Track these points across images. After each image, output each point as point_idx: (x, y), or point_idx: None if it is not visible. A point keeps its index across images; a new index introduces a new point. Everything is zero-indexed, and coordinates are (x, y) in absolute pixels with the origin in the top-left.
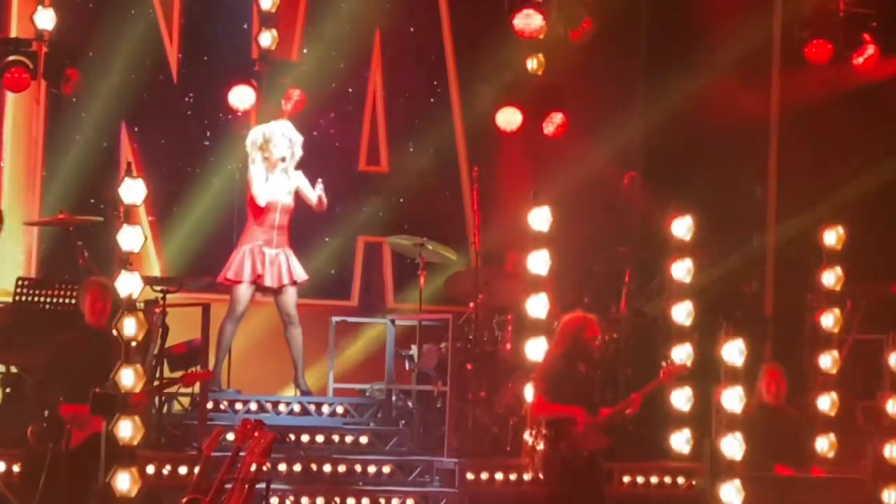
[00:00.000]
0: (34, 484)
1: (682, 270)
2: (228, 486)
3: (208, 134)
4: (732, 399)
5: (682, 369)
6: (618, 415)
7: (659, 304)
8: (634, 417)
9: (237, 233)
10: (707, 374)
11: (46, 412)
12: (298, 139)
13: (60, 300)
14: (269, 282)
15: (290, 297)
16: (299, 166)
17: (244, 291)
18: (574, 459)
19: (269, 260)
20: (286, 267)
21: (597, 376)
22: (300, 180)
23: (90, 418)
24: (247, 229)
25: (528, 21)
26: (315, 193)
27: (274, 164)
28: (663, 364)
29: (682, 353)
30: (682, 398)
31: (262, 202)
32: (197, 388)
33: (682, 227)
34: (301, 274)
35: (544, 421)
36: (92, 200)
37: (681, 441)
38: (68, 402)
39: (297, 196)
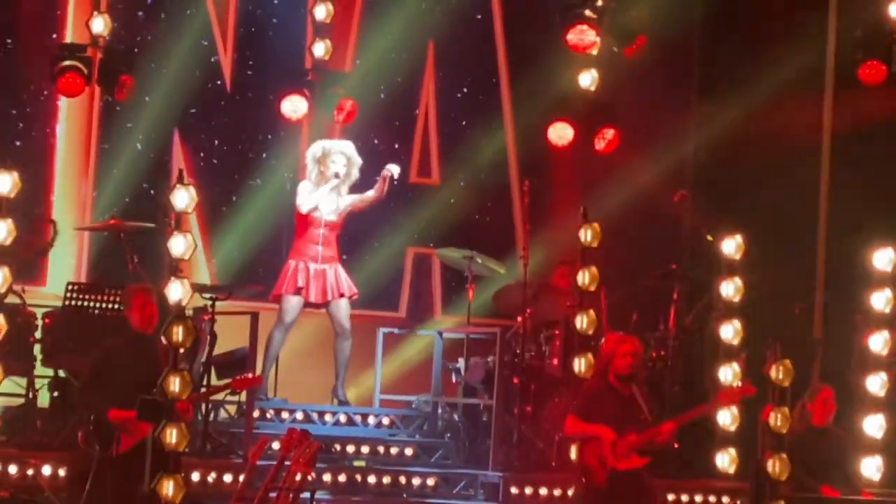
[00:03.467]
0: (80, 488)
1: (730, 289)
2: (273, 495)
3: (260, 142)
4: (780, 419)
5: (745, 392)
6: (646, 443)
7: (707, 323)
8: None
9: (287, 242)
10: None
11: (93, 417)
12: (358, 161)
13: (110, 305)
14: (313, 297)
15: (343, 309)
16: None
17: (292, 302)
18: (593, 477)
19: (314, 274)
20: (333, 282)
21: (642, 395)
22: (351, 200)
23: (139, 425)
24: (295, 244)
25: (582, 37)
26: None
27: (327, 179)
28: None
29: (730, 374)
30: (728, 417)
31: (304, 210)
32: (244, 396)
33: (732, 245)
34: (350, 287)
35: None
36: (143, 207)
37: (726, 460)
38: (117, 407)
39: (346, 215)
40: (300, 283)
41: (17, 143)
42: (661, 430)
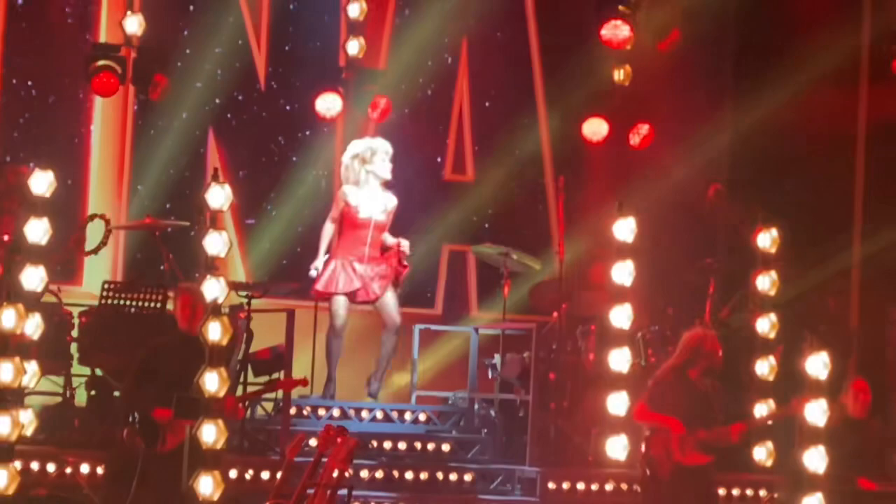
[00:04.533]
0: (119, 486)
1: (766, 282)
2: (310, 491)
3: (295, 140)
4: (816, 412)
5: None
6: (716, 440)
7: (743, 316)
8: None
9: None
10: (791, 387)
11: (138, 415)
12: (389, 149)
13: (146, 304)
14: (361, 296)
15: (390, 301)
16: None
17: (340, 303)
18: (658, 469)
19: (360, 275)
20: (379, 279)
21: (718, 392)
22: (395, 203)
23: (180, 422)
24: (339, 243)
25: (616, 32)
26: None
27: (371, 178)
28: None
29: (765, 367)
30: (764, 410)
31: (363, 214)
32: (280, 393)
33: (768, 238)
34: (396, 280)
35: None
36: (178, 205)
37: (763, 453)
38: (161, 405)
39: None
40: (344, 285)
41: (53, 143)
42: (731, 431)
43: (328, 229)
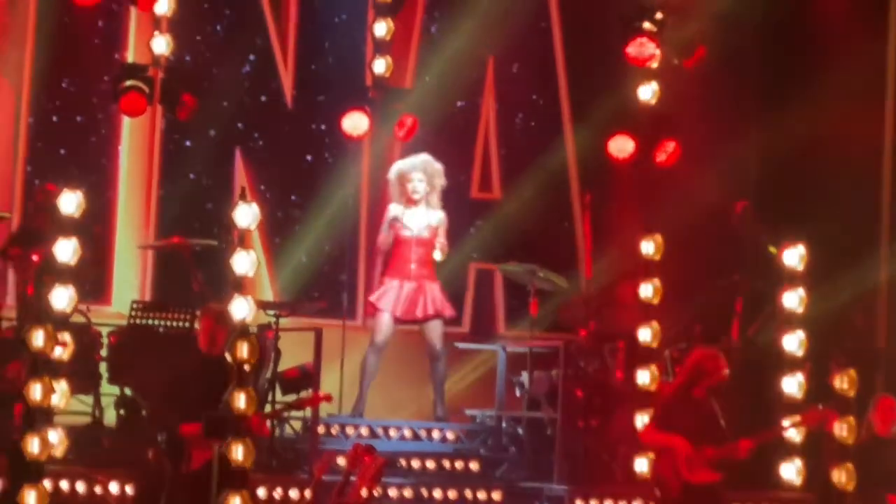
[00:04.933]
0: None
1: (793, 300)
2: None
3: (321, 159)
4: (845, 429)
5: (827, 416)
6: (722, 458)
7: (770, 334)
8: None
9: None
10: (819, 405)
11: (165, 435)
12: (438, 170)
13: (174, 323)
14: (400, 312)
15: (435, 329)
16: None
17: (385, 321)
18: (667, 489)
19: (407, 293)
20: (428, 299)
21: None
22: (440, 218)
23: (211, 442)
24: (391, 262)
25: (642, 49)
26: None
27: (410, 199)
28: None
29: (793, 385)
30: (792, 471)
31: (379, 248)
32: (309, 412)
33: (795, 256)
34: (445, 307)
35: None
36: (206, 224)
37: (792, 471)
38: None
39: (436, 229)
40: (389, 304)
41: (81, 163)
42: (739, 447)
43: (381, 247)
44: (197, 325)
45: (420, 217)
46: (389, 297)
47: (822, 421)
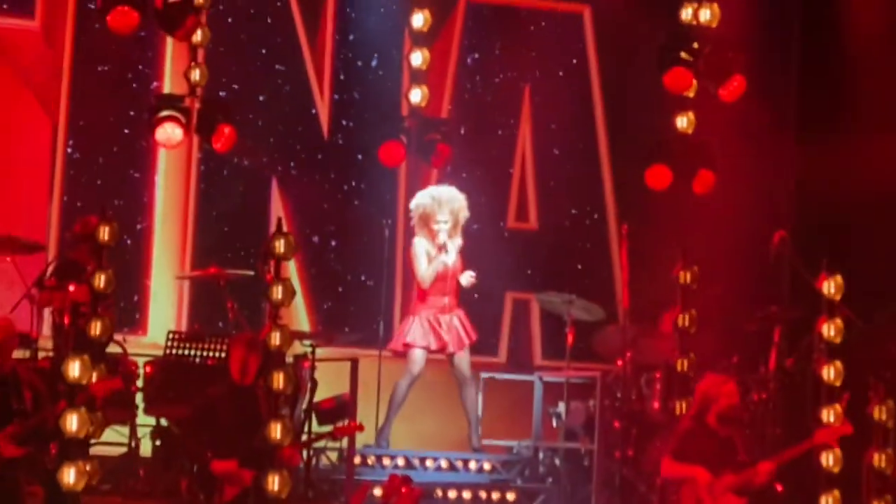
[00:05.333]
0: None
1: (831, 330)
2: None
3: (357, 189)
4: (884, 460)
5: (842, 430)
6: (744, 484)
7: (808, 364)
8: (780, 478)
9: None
10: (858, 436)
11: (197, 466)
12: (463, 204)
13: (210, 354)
14: (451, 348)
15: (465, 358)
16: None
17: (420, 354)
18: None
19: (446, 327)
20: (462, 330)
21: (741, 437)
22: (460, 243)
23: (241, 473)
24: (420, 297)
25: (678, 79)
26: (464, 279)
27: (434, 235)
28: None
29: (832, 416)
30: (831, 458)
31: (426, 286)
32: (345, 442)
33: (832, 286)
34: (471, 334)
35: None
36: (242, 255)
37: (830, 502)
38: (218, 456)
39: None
40: (444, 339)
41: (118, 193)
42: (759, 471)
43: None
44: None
45: (453, 250)
46: (420, 332)
47: (837, 435)
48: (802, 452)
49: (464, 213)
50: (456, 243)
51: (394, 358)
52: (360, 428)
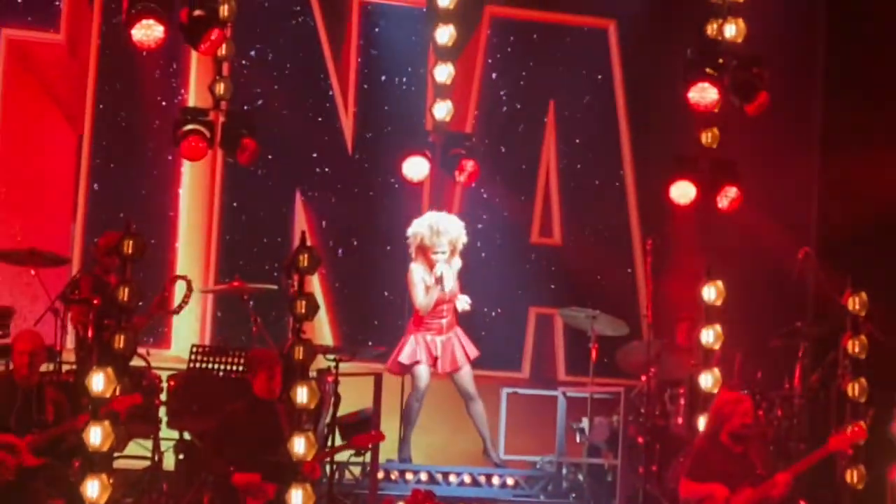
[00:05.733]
0: None
1: (856, 346)
2: None
3: (381, 204)
4: None
5: (856, 436)
6: (762, 497)
7: (833, 380)
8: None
9: (410, 303)
10: (882, 452)
11: (217, 481)
12: (461, 235)
13: (234, 367)
14: (441, 367)
15: (466, 375)
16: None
17: (423, 370)
18: None
19: (441, 346)
20: (459, 348)
21: (755, 451)
22: (460, 265)
23: (264, 487)
24: (416, 318)
25: (703, 94)
26: (460, 304)
27: (431, 264)
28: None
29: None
30: (855, 475)
31: (424, 314)
32: (368, 457)
33: (857, 302)
34: (472, 351)
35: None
36: (266, 269)
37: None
38: (240, 470)
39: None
40: (435, 354)
41: (142, 206)
42: (776, 482)
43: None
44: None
45: (451, 275)
46: (420, 351)
47: (851, 441)
48: (818, 461)
49: (462, 241)
50: (454, 267)
51: None
52: (380, 437)
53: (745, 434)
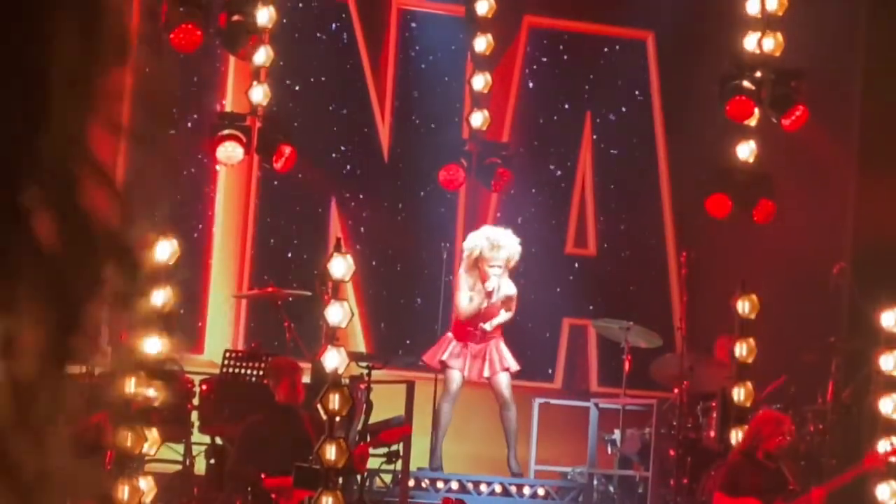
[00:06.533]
0: None
1: (890, 362)
2: None
3: (417, 212)
4: None
5: (893, 454)
6: None
7: (866, 396)
8: None
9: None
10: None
11: (249, 488)
12: (516, 247)
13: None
14: (474, 375)
15: (503, 381)
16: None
17: (456, 373)
18: None
19: (473, 354)
20: (496, 357)
21: (789, 466)
22: (515, 292)
23: (295, 492)
24: (457, 323)
25: (740, 108)
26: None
27: (483, 277)
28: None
29: (886, 444)
30: (886, 492)
31: (462, 319)
32: (399, 465)
33: (891, 318)
34: (511, 363)
35: None
36: (301, 275)
37: (887, 492)
38: (270, 475)
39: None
40: (459, 364)
41: (177, 210)
42: (811, 498)
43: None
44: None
45: (502, 290)
46: (453, 355)
47: (887, 459)
48: (854, 478)
49: (517, 257)
50: (504, 289)
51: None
52: (408, 430)
53: (781, 454)
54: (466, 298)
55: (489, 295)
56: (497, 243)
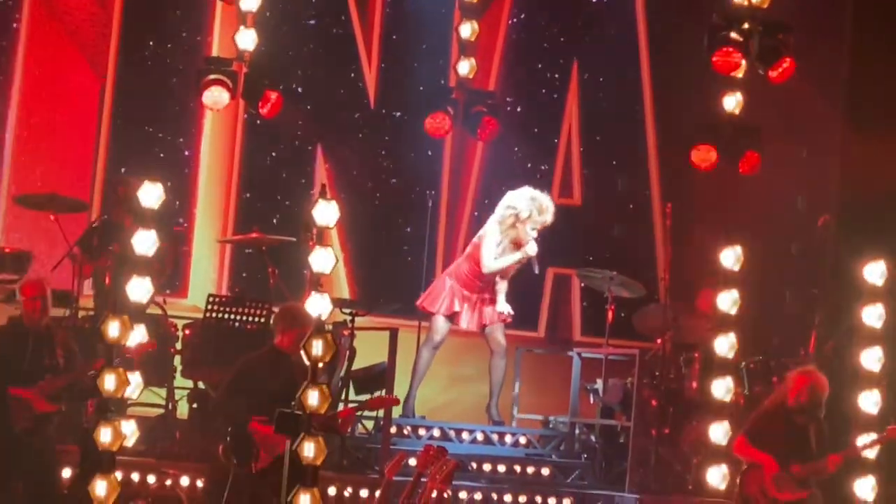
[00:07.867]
0: (218, 499)
1: (873, 315)
2: None
3: (403, 159)
4: None
5: None
6: (811, 473)
7: (848, 348)
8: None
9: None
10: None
11: (231, 431)
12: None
13: (250, 318)
14: (465, 324)
15: (498, 329)
16: None
17: (442, 322)
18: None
19: (469, 303)
20: (490, 307)
21: (815, 428)
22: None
23: (279, 441)
24: (458, 266)
25: (728, 59)
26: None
27: (518, 240)
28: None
29: (870, 402)
30: (867, 487)
31: (485, 272)
32: (381, 411)
33: (875, 271)
34: (505, 308)
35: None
36: (285, 221)
37: (866, 488)
38: (255, 418)
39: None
40: (456, 308)
41: (162, 155)
42: (827, 464)
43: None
44: (272, 322)
45: (515, 256)
46: (445, 302)
47: None
48: (875, 447)
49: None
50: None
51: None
52: (395, 401)
53: (812, 409)
54: (493, 255)
55: (530, 260)
56: (545, 207)
